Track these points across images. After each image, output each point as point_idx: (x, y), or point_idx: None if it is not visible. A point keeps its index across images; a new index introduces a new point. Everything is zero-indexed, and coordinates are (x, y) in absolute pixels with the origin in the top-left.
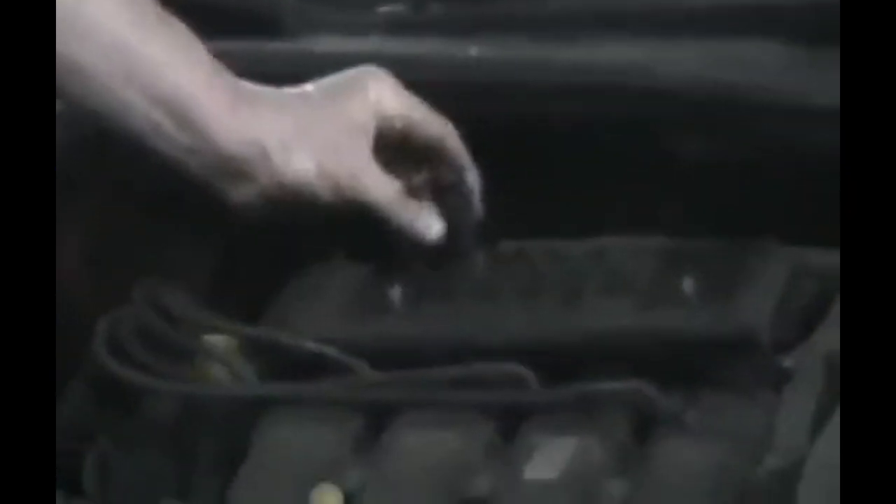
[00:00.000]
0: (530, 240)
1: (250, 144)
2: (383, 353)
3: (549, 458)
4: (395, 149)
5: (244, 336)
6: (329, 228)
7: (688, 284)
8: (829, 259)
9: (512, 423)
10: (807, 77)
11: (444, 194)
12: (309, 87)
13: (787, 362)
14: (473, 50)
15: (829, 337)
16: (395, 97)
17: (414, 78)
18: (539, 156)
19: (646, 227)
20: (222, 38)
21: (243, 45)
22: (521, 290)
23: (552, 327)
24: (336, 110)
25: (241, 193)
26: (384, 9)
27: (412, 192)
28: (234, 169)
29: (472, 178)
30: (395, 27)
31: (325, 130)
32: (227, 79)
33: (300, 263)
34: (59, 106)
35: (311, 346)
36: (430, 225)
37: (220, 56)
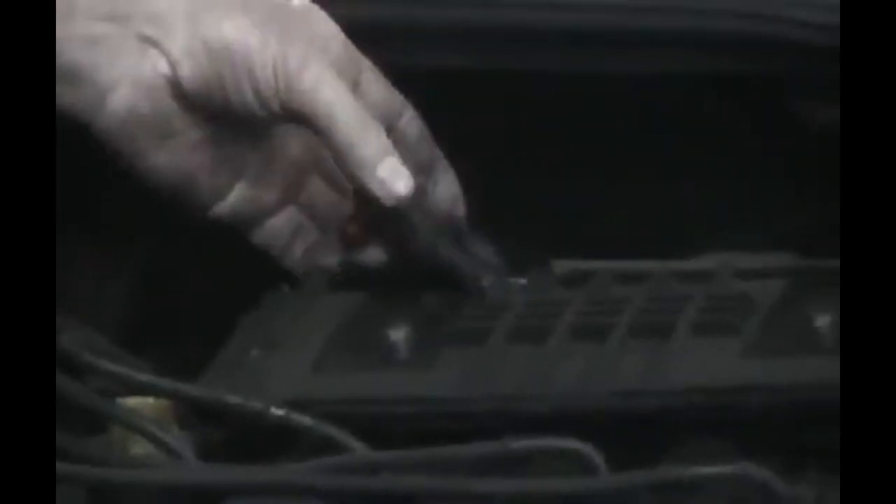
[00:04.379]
0: (594, 258)
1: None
2: (383, 421)
3: None
4: None
5: (180, 397)
6: None
7: (823, 321)
8: None
9: None
10: None
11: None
12: None
13: None
14: None
15: None
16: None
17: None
18: (606, 130)
19: (764, 234)
20: None
21: None
22: (582, 329)
23: (625, 383)
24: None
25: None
26: None
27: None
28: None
29: (447, 182)
30: None
31: (268, 8)
32: None
33: (257, 289)
34: None
35: (276, 412)
36: (398, 175)
37: None
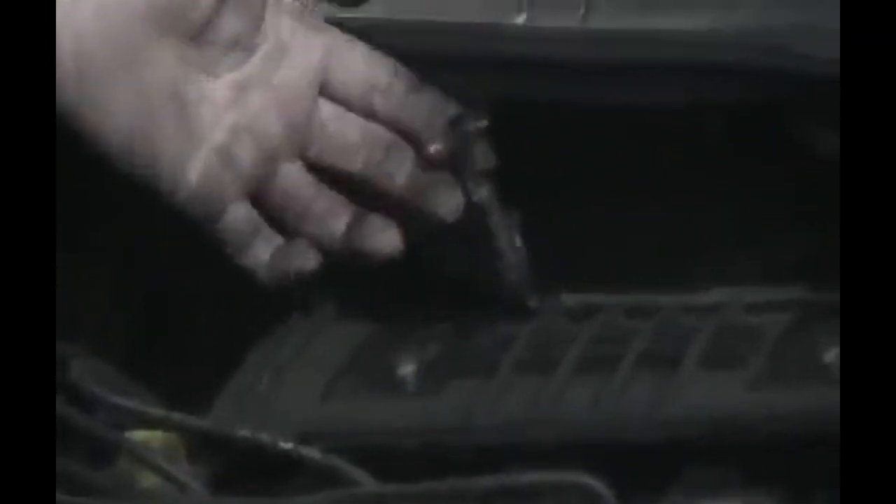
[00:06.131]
0: (603, 291)
1: None
2: (391, 454)
3: None
4: None
5: (188, 430)
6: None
7: (831, 355)
8: None
9: None
10: None
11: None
12: None
13: None
14: (520, 18)
15: None
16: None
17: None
18: (609, 160)
19: (768, 262)
20: None
21: None
22: (589, 361)
23: (632, 415)
24: None
25: None
26: None
27: None
28: None
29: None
30: None
31: None
32: None
33: (265, 318)
34: None
35: (284, 445)
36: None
37: None
